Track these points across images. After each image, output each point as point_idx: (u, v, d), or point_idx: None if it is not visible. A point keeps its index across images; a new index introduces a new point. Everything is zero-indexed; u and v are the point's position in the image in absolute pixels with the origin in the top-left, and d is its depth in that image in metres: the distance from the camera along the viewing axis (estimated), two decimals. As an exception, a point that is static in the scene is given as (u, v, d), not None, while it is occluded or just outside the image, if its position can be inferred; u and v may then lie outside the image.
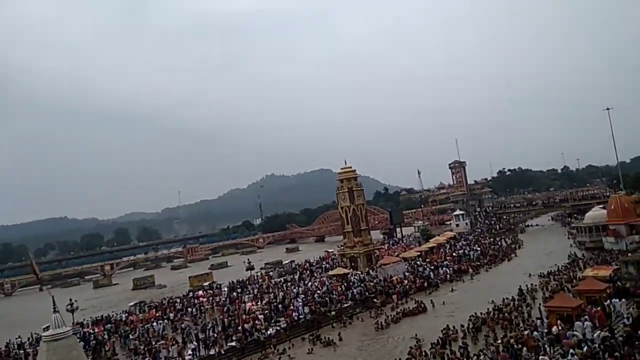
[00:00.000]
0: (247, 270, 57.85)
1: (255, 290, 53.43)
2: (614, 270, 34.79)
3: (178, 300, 52.19)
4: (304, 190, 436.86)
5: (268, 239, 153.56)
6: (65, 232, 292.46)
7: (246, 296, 50.77)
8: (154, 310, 48.53)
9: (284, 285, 55.27)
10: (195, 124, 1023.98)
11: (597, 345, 20.33)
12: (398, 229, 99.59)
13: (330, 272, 56.29)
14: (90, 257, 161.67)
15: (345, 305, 43.53)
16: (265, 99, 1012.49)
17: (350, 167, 62.04)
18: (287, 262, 77.80)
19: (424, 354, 27.80)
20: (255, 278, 62.94)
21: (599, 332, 22.28)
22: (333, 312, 41.44)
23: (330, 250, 77.80)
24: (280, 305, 42.84)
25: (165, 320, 43.47)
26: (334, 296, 44.71)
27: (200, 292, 54.53)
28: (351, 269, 56.50)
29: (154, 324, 41.88)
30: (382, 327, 36.83)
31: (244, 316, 40.63)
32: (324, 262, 68.65)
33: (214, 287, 59.91)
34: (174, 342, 35.68)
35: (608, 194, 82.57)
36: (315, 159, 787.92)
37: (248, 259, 60.71)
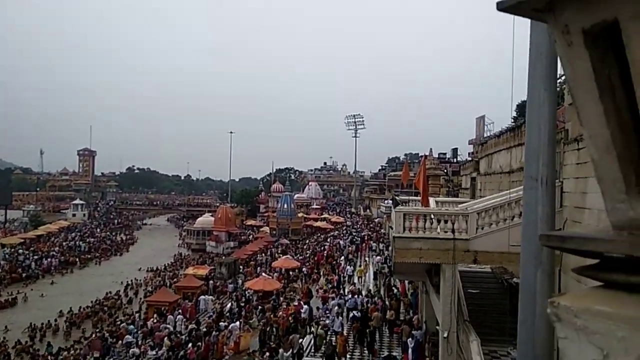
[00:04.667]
0: None
1: None
2: (210, 270, 40.32)
3: None
4: None
5: None
6: None
7: None
8: None
9: None
10: None
11: (184, 336, 23.28)
12: (2, 211, 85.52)
13: None
14: None
15: None
16: None
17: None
18: None
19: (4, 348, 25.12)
20: None
21: (188, 324, 25.55)
22: None
23: None
24: None
25: None
26: None
27: None
28: None
29: None
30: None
31: None
32: None
33: None
34: None
35: (218, 204, 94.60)
36: None
37: None
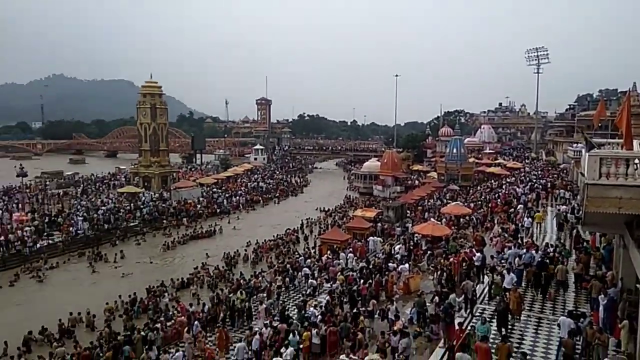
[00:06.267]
0: (17, 176, 50.51)
1: (26, 200, 47.52)
2: (377, 213, 40.99)
3: None
4: (99, 99, 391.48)
5: (49, 146, 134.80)
6: None
7: (14, 205, 44.88)
8: None
9: (63, 197, 50.37)
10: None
11: (356, 273, 24.21)
12: (198, 155, 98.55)
13: (120, 190, 53.31)
14: None
15: (132, 224, 42.09)
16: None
17: (156, 83, 58.19)
18: (69, 173, 70.49)
19: (208, 273, 29.25)
20: (27, 186, 55.79)
21: (359, 262, 26.47)
22: (117, 230, 39.72)
23: (122, 167, 73.06)
24: (55, 218, 39.18)
25: None
26: (121, 214, 42.74)
27: None
28: (143, 189, 54.33)
29: None
30: (168, 247, 36.97)
31: (9, 226, 36.15)
32: (113, 179, 64.39)
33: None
34: None
35: (383, 149, 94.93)
36: (116, 68, 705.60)
37: (21, 164, 52.84)
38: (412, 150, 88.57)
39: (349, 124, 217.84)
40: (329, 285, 23.44)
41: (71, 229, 37.31)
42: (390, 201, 49.97)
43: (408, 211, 42.26)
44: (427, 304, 17.42)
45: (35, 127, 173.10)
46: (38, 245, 33.91)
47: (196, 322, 19.69)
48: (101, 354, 16.91)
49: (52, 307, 24.34)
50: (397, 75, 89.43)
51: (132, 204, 46.28)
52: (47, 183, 62.08)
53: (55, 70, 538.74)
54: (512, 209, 33.54)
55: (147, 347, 18.03)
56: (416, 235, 29.90)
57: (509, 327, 14.81)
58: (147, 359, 17.00)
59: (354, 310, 18.27)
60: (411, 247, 27.69)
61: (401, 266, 23.28)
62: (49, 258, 32.51)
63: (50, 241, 35.35)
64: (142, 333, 18.64)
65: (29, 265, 30.83)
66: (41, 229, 36.38)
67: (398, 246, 28.02)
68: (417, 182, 66.98)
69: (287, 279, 25.73)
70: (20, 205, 44.71)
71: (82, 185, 59.53)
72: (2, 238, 32.76)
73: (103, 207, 43.75)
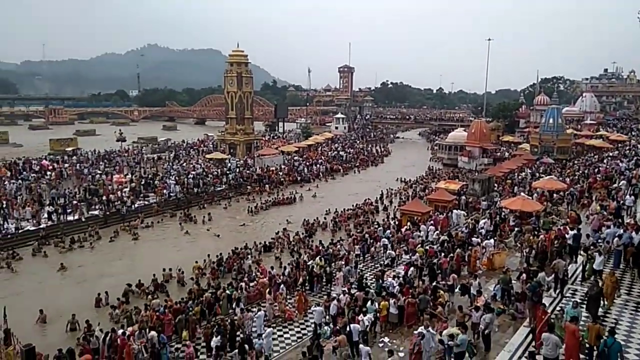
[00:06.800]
0: (117, 141, 54.74)
1: (125, 163, 51.33)
2: (462, 186, 39.47)
3: (35, 161, 48.26)
4: (189, 68, 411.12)
5: (144, 113, 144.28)
6: None
7: (114, 168, 48.65)
8: (4, 168, 44.40)
9: (157, 162, 53.78)
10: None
11: (437, 246, 23.58)
12: (281, 123, 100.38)
13: (208, 155, 55.83)
14: None
15: (219, 188, 44.04)
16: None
17: (243, 52, 59.41)
18: (162, 139, 74.95)
19: (289, 238, 30.00)
20: (126, 151, 60.21)
21: (440, 235, 25.74)
22: (205, 194, 41.77)
23: (210, 134, 76.34)
24: (151, 181, 41.98)
25: (20, 181, 40.25)
26: (209, 179, 44.85)
27: (46, 162, 48.03)
28: (229, 155, 56.52)
29: (6, 183, 38.60)
30: (252, 212, 38.31)
31: (110, 187, 39.29)
32: (202, 145, 67.56)
33: (78, 154, 56.10)
34: (28, 204, 33.54)
35: (471, 118, 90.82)
36: (205, 37, 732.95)
37: (120, 130, 57.09)
38: (503, 120, 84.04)
39: (434, 91, 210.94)
40: (407, 257, 23.08)
41: (164, 191, 39.79)
42: (477, 174, 48.13)
43: (495, 184, 40.30)
44: (513, 282, 16.57)
45: (132, 95, 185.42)
46: (135, 206, 36.60)
47: (282, 286, 20.32)
48: (191, 309, 17.98)
49: (147, 262, 26.22)
50: (489, 39, 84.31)
51: (219, 170, 48.37)
52: (143, 148, 66.50)
53: (150, 40, 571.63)
54: (614, 185, 30.73)
55: (231, 304, 19.03)
56: (504, 210, 28.48)
57: (602, 313, 13.62)
58: (232, 315, 17.97)
59: (434, 284, 17.85)
60: (497, 222, 26.44)
61: (486, 241, 22.37)
62: (145, 217, 34.98)
63: (145, 202, 38.00)
64: (227, 291, 19.59)
65: (127, 224, 33.42)
66: (138, 191, 39.15)
67: (483, 221, 26.82)
68: (506, 154, 64.09)
69: (365, 248, 25.72)
70: (119, 168, 48.35)
71: (174, 151, 63.08)
72: (105, 198, 35.75)
73: (193, 172, 46.17)
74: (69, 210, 33.35)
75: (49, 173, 43.83)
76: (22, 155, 54.21)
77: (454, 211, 31.18)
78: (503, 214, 28.15)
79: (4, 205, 32.59)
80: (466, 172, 54.98)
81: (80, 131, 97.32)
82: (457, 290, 17.55)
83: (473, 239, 23.62)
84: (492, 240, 22.55)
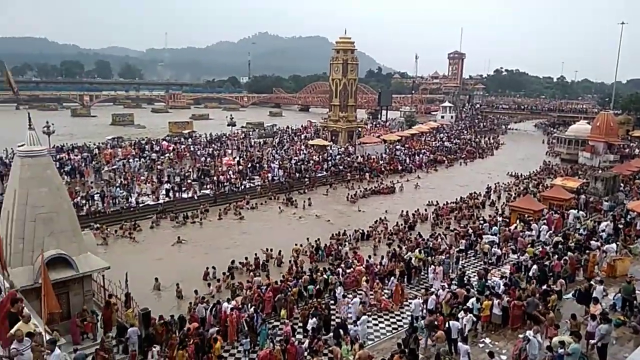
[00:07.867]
0: (228, 125, 57.75)
1: (234, 146, 54.11)
2: (582, 184, 36.07)
3: (155, 142, 52.69)
4: (296, 55, 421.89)
5: (252, 99, 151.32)
6: (44, 55, 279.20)
7: (224, 150, 51.46)
8: (131, 147, 49.04)
9: (263, 146, 55.95)
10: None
11: (549, 247, 21.76)
12: (384, 112, 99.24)
13: (310, 142, 56.89)
14: (69, 85, 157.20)
15: (320, 175, 44.68)
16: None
17: (349, 39, 59.31)
18: (268, 125, 77.89)
19: (387, 228, 29.59)
20: (236, 135, 63.41)
21: (554, 236, 23.73)
22: (307, 179, 42.62)
23: (313, 121, 77.78)
24: (257, 165, 43.77)
25: (142, 160, 44.13)
26: (310, 165, 45.68)
27: (165, 143, 52.10)
28: (331, 142, 57.09)
29: (131, 160, 42.56)
30: (351, 199, 38.34)
31: (220, 168, 41.60)
32: (305, 131, 69.04)
33: (193, 137, 60.22)
34: (149, 181, 36.74)
35: (596, 110, 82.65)
36: (312, 25, 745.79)
37: (231, 115, 60.22)
38: (634, 114, 75.32)
39: (555, 80, 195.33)
40: (515, 256, 21.59)
41: (269, 175, 41.28)
42: (600, 171, 43.79)
43: (622, 184, 36.31)
44: (637, 292, 14.81)
45: (243, 82, 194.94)
46: (242, 187, 38.43)
47: (392, 278, 20.01)
48: (289, 289, 18.45)
49: (250, 241, 27.41)
50: (622, 23, 75.62)
51: (320, 156, 49.06)
52: (251, 133, 69.59)
53: (261, 29, 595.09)
54: None
55: (327, 288, 19.22)
56: (630, 212, 25.52)
57: None
58: (328, 299, 18.15)
59: (544, 287, 16.47)
60: (621, 226, 23.76)
61: (607, 246, 20.31)
62: (250, 199, 36.58)
63: (251, 184, 39.74)
64: (324, 276, 19.79)
65: (234, 204, 35.19)
66: (244, 173, 41.05)
67: (605, 223, 24.31)
68: (636, 150, 57.51)
69: (468, 244, 24.53)
70: (229, 151, 51.06)
71: (278, 136, 65.22)
72: (215, 178, 38.00)
73: (295, 157, 47.34)
74: (183, 189, 35.97)
75: (166, 154, 47.56)
76: (145, 136, 59.51)
77: (571, 211, 28.64)
78: (629, 217, 25.24)
79: (130, 181, 36.03)
80: (588, 169, 50.35)
81: (196, 115, 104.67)
82: (569, 296, 16.10)
83: (592, 242, 21.49)
84: (614, 245, 20.37)
